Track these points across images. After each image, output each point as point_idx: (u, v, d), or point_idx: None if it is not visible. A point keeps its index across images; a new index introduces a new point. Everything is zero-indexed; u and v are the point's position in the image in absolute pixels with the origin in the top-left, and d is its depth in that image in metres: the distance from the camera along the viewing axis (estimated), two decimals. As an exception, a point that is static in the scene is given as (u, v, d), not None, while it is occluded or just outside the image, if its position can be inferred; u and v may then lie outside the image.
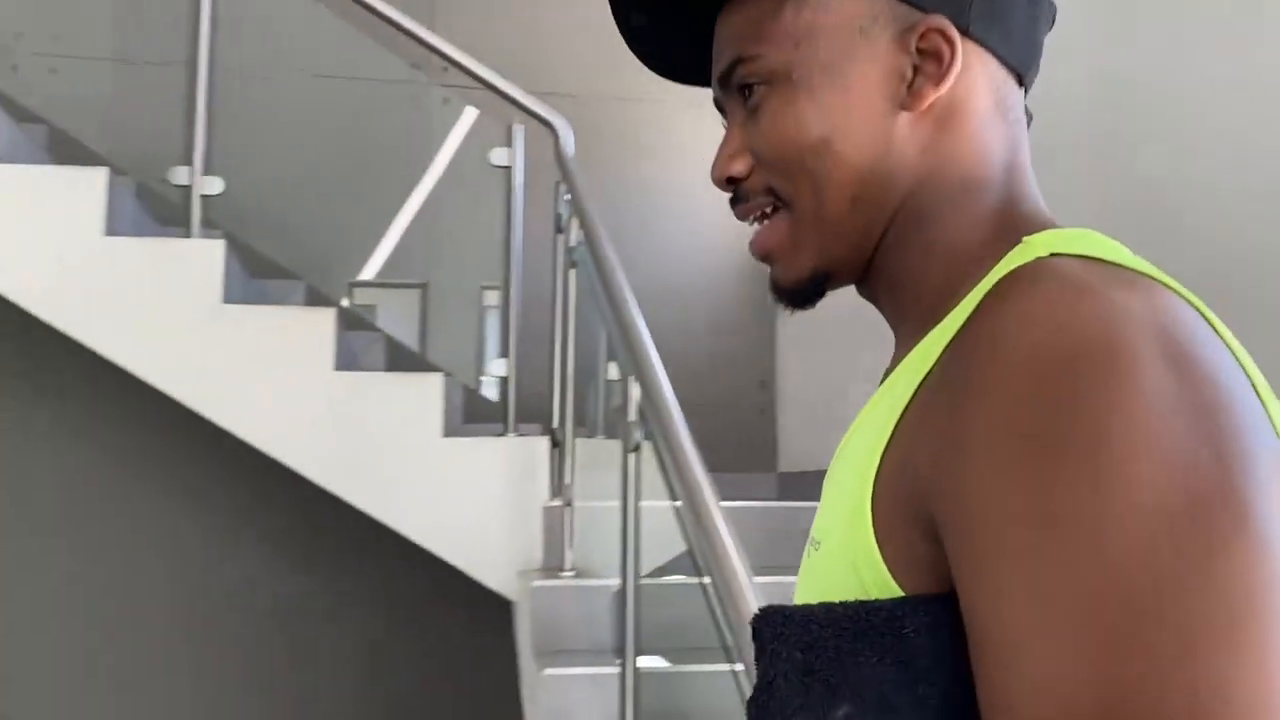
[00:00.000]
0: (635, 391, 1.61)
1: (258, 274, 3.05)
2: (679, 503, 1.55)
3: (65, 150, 3.24)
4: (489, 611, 2.72)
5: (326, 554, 3.24)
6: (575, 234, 2.42)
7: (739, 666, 1.34)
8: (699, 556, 1.47)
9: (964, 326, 0.49)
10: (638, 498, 1.62)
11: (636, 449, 1.58)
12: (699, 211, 4.15)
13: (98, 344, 2.49)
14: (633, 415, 1.60)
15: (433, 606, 3.04)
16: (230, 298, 2.56)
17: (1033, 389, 0.43)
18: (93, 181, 2.52)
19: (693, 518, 1.43)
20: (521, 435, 2.61)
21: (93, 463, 3.24)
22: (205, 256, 2.53)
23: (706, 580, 1.42)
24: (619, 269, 1.91)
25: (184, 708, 3.17)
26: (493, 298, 4.06)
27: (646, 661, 2.06)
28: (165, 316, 2.50)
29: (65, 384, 3.26)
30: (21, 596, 3.19)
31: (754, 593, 1.27)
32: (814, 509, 0.59)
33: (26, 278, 2.49)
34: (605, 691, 1.95)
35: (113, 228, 2.54)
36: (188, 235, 2.59)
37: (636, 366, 1.59)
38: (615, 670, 1.97)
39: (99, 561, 3.25)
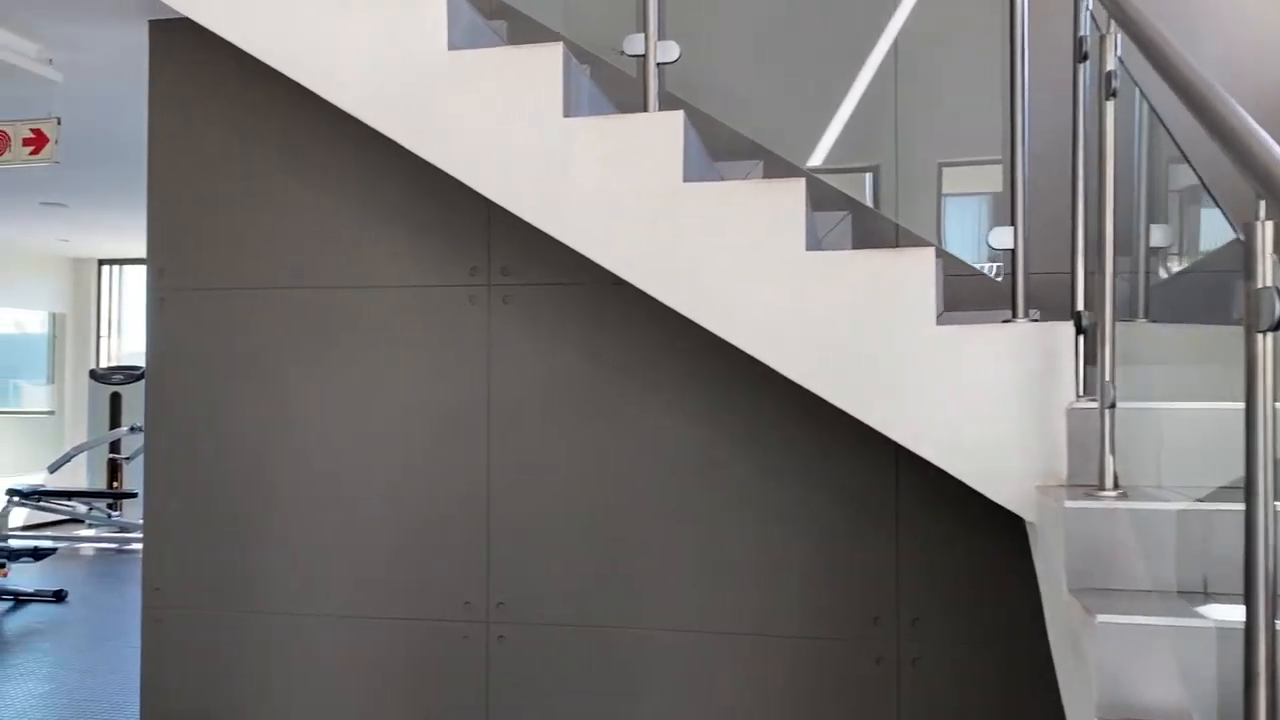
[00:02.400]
0: (1267, 237, 1.09)
1: (713, 154, 2.78)
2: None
3: (523, 35, 3.17)
4: (993, 522, 2.31)
5: (803, 455, 2.99)
6: (1111, 58, 1.87)
7: None
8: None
9: None
10: (1274, 395, 1.11)
11: (1276, 327, 1.08)
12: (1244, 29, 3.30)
13: (557, 230, 2.34)
14: (1268, 276, 1.09)
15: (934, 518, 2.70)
16: (690, 175, 2.30)
17: None
18: (549, 61, 2.35)
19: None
20: (1035, 321, 2.14)
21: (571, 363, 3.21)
22: (663, 131, 2.28)
23: None
24: (1205, 75, 1.36)
25: (684, 600, 3.09)
26: (954, 178, 3.56)
27: (1220, 611, 1.56)
28: (623, 198, 2.29)
29: (517, 287, 3.23)
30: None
31: None
32: None
33: (488, 171, 2.39)
34: (1190, 649, 1.47)
35: (570, 109, 2.37)
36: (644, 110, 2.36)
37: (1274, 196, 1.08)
38: (1202, 623, 1.48)
39: (594, 459, 3.24)
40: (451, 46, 2.41)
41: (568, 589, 3.25)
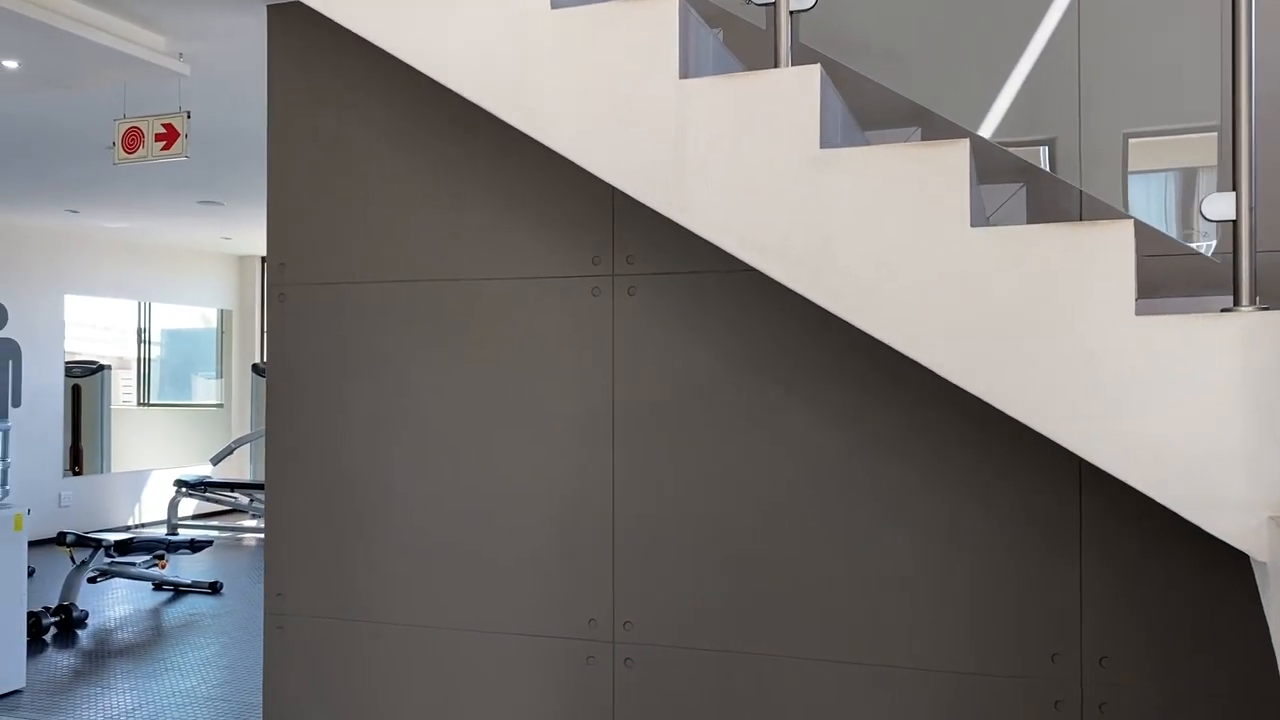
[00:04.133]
0: None
1: (862, 121, 2.40)
2: None
3: None
4: (1206, 552, 1.88)
5: (966, 466, 2.59)
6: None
7: None
8: None
9: None
10: None
11: None
12: None
13: (673, 208, 2.03)
14: None
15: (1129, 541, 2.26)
16: (830, 142, 1.95)
17: None
18: (663, 14, 2.04)
19: None
20: (1264, 310, 1.70)
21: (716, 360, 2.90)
22: (796, 89, 1.94)
23: None
24: None
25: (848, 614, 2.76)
26: (1143, 153, 3.12)
27: None
28: (748, 170, 1.96)
29: (644, 276, 2.93)
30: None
31: None
32: None
33: (595, 144, 2.10)
34: None
35: (689, 69, 2.05)
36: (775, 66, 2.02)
37: None
38: None
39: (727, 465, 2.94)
40: (555, 5, 2.13)
41: (701, 609, 2.94)
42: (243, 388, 12.18)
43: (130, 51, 3.85)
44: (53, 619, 6.02)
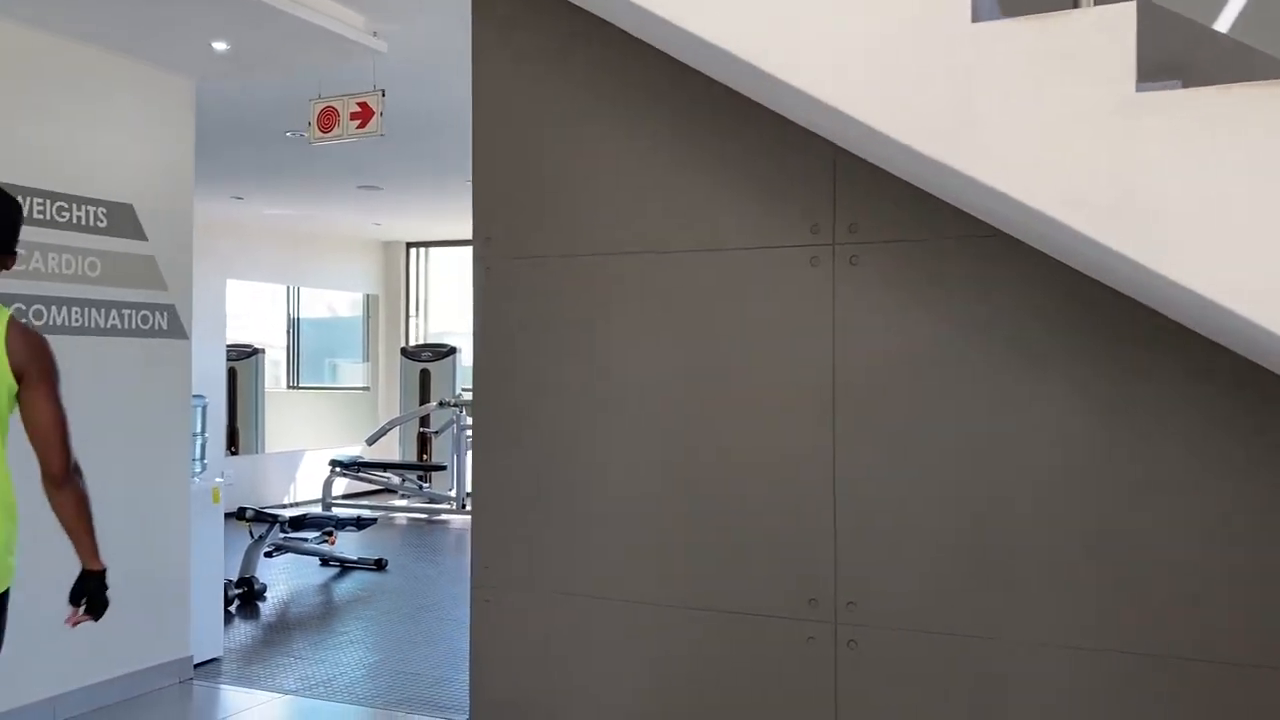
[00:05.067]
0: None
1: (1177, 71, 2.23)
2: None
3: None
4: None
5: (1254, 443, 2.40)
6: None
7: None
8: None
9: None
10: None
11: None
12: None
13: (963, 162, 1.91)
14: None
15: None
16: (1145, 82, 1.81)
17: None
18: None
19: None
20: None
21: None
22: (1111, 31, 1.79)
23: None
24: None
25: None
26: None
27: None
28: (1051, 118, 1.83)
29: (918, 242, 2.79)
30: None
31: None
32: None
33: (875, 96, 1.99)
34: None
35: (979, 13, 1.93)
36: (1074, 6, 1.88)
37: None
38: None
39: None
40: (828, -49, 2.03)
41: (930, 591, 2.81)
42: (390, 371, 12.44)
43: (333, 28, 3.89)
44: (237, 591, 6.21)
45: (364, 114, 4.27)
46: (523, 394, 3.39)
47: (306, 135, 4.75)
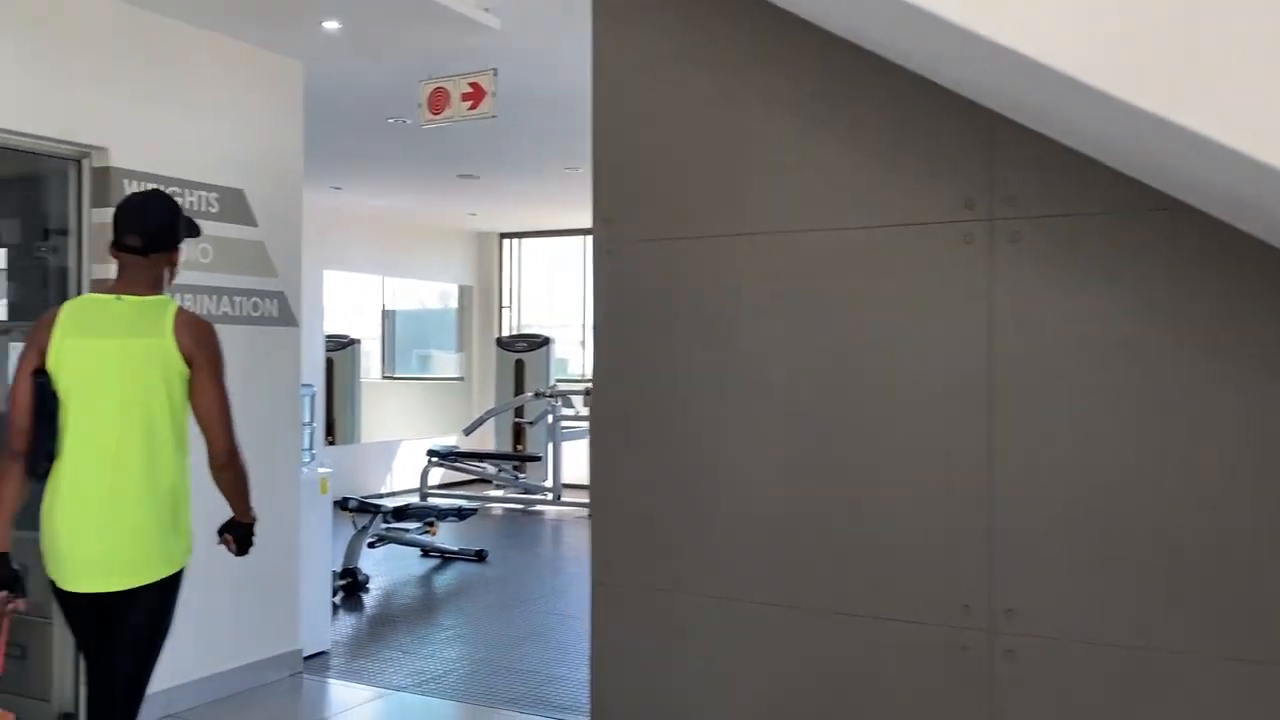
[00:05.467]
0: None
1: None
2: None
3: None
4: None
5: None
6: None
7: None
8: None
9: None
10: None
11: None
12: None
13: (1185, 115, 1.67)
14: None
15: None
16: None
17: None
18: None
19: None
20: None
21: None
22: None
23: None
24: None
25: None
26: None
27: None
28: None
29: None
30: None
31: None
32: None
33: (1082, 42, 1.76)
34: None
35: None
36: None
37: None
38: None
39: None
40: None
41: (1098, 598, 2.57)
42: (484, 361, 12.42)
43: (445, 2, 3.76)
44: (341, 582, 6.17)
45: (476, 94, 4.14)
46: (646, 383, 3.21)
47: (416, 118, 4.65)
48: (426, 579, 7.04)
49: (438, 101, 4.26)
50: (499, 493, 10.48)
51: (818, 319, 2.93)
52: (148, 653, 2.67)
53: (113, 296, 2.66)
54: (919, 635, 2.77)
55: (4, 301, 4.45)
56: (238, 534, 2.83)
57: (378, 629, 5.67)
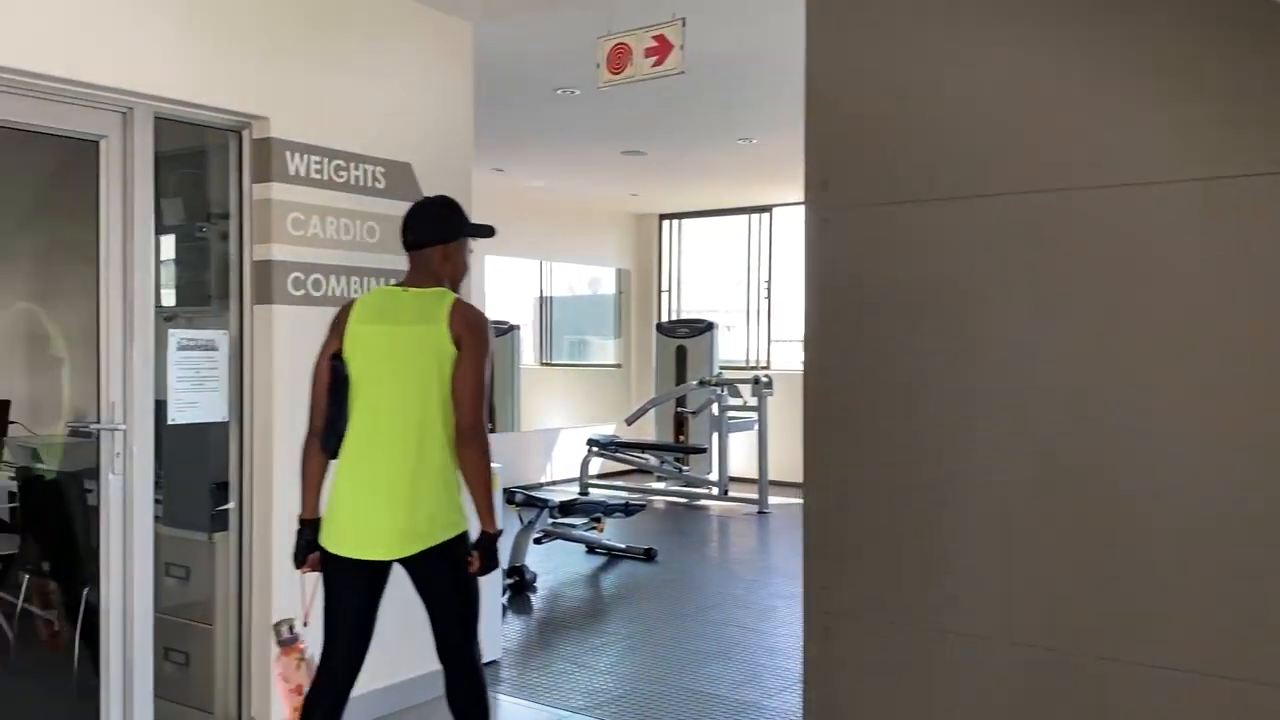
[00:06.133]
0: None
1: None
2: None
3: None
4: None
5: None
6: None
7: None
8: None
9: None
10: None
11: None
12: None
13: None
14: None
15: None
16: None
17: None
18: None
19: None
20: None
21: None
22: None
23: None
24: None
25: None
26: None
27: None
28: None
29: None
30: None
31: None
32: None
33: None
34: None
35: None
36: None
37: None
38: None
39: None
40: None
41: None
42: (643, 348, 12.03)
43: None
44: (508, 581, 5.83)
45: (661, 49, 3.68)
46: (872, 377, 2.67)
47: (589, 85, 4.22)
48: (594, 578, 6.66)
49: (618, 58, 3.81)
50: (660, 485, 10.07)
51: (1088, 297, 2.32)
52: (461, 610, 2.87)
53: (401, 288, 2.95)
54: (1242, 696, 2.16)
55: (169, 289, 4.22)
56: (483, 547, 2.86)
57: (548, 635, 5.30)
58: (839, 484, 2.71)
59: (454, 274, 2.99)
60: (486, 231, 3.12)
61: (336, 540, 2.81)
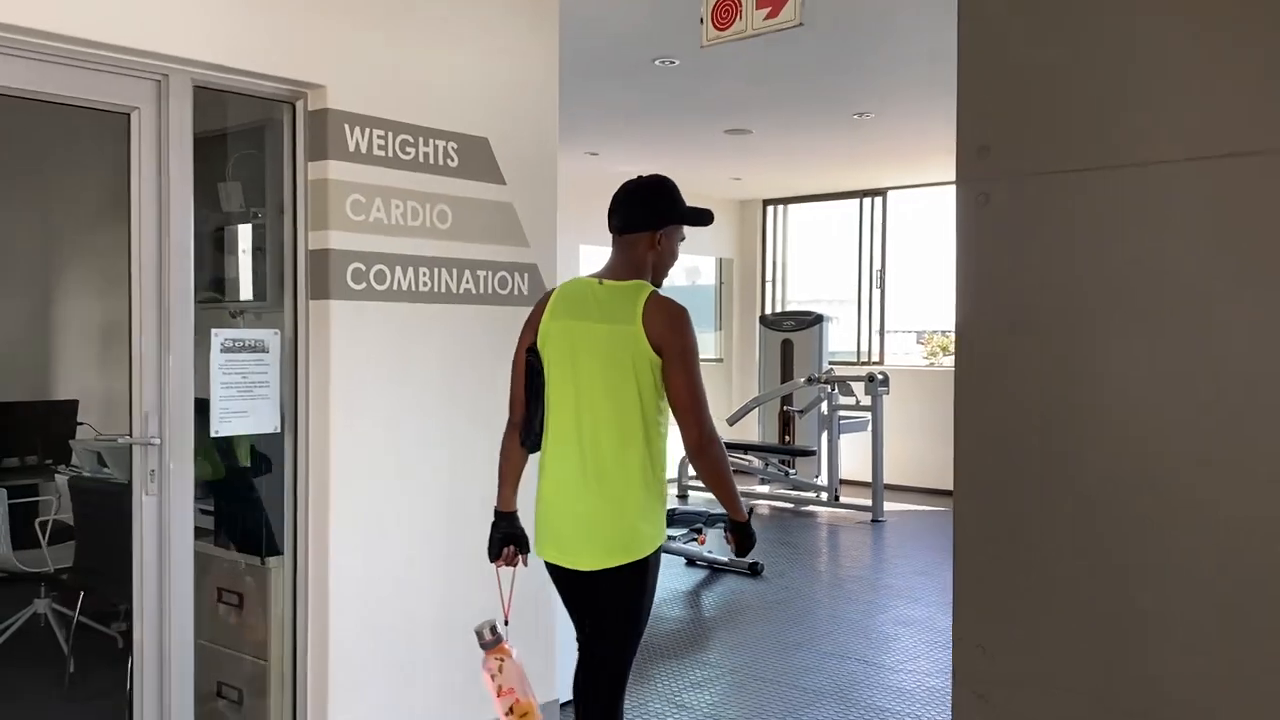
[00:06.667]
0: None
1: None
2: None
3: None
4: None
5: None
6: None
7: None
8: None
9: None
10: None
11: None
12: None
13: None
14: None
15: None
16: None
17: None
18: None
19: None
20: None
21: None
22: None
23: None
24: None
25: None
26: None
27: None
28: None
29: None
30: None
31: None
32: None
33: None
34: None
35: None
36: None
37: None
38: None
39: None
40: None
41: None
42: (745, 341, 11.43)
43: None
44: (599, 601, 5.34)
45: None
46: (1043, 386, 2.06)
47: (692, 45, 3.67)
48: (694, 596, 6.12)
49: (725, 12, 3.25)
50: (765, 489, 9.48)
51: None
52: (616, 638, 2.71)
53: (595, 280, 2.76)
54: None
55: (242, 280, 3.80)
56: (737, 533, 2.84)
57: (643, 666, 4.78)
58: (1002, 514, 2.10)
59: (659, 263, 2.83)
60: (704, 218, 2.90)
61: (541, 544, 2.78)
